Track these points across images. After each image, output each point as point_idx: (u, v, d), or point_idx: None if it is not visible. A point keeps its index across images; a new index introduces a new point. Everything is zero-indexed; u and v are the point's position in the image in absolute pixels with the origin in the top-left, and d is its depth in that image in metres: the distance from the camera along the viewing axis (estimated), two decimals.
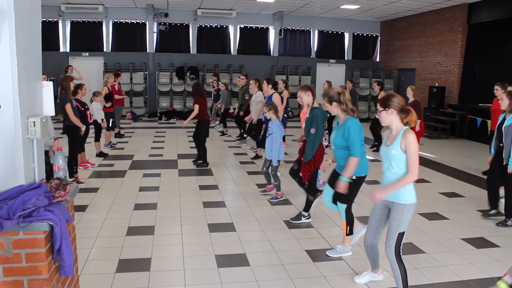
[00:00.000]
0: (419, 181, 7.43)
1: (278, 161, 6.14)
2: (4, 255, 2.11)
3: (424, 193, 6.63)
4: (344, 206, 4.17)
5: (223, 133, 12.02)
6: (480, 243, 4.73)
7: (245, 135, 10.77)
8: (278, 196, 6.15)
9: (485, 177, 7.47)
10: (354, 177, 4.02)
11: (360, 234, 4.27)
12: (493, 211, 5.55)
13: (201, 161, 8.12)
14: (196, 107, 7.83)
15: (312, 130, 4.89)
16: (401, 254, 3.28)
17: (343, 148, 4.02)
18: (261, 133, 8.83)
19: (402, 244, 3.28)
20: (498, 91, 7.12)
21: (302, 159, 5.12)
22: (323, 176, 6.14)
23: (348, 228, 4.25)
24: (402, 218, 3.21)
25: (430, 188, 7.00)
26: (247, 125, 9.86)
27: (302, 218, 5.25)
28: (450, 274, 3.95)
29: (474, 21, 12.77)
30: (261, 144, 8.57)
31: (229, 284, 3.70)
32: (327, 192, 4.34)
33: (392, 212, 3.28)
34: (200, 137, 8.05)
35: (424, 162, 8.99)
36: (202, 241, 4.61)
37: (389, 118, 3.26)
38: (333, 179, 4.19)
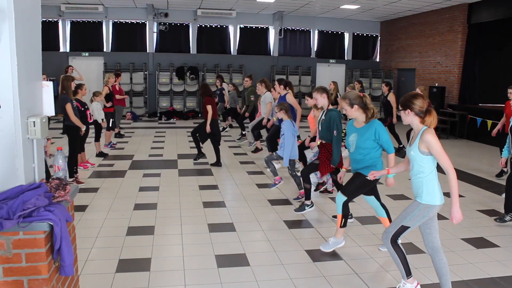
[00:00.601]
0: None
1: (293, 160, 6.20)
2: (4, 255, 2.11)
3: None
4: (344, 198, 4.18)
5: (223, 128, 12.11)
6: (480, 243, 4.73)
7: (243, 132, 10.84)
8: (276, 182, 6.35)
9: (497, 180, 7.44)
10: (367, 176, 4.02)
11: (340, 245, 4.38)
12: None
13: (200, 154, 8.27)
14: (209, 107, 7.88)
15: (335, 132, 4.94)
16: (398, 241, 3.33)
17: (366, 149, 4.04)
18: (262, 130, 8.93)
19: (400, 236, 3.32)
20: None
21: (330, 163, 5.10)
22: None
23: (342, 221, 4.27)
24: (412, 213, 3.23)
25: None
26: (255, 123, 9.77)
27: (306, 208, 5.34)
28: (450, 274, 3.94)
29: (474, 21, 12.78)
30: (269, 143, 8.29)
31: (229, 284, 3.70)
32: (369, 200, 4.45)
33: (410, 204, 3.33)
34: (206, 135, 8.11)
35: None
36: (202, 241, 4.61)
37: (408, 118, 3.28)
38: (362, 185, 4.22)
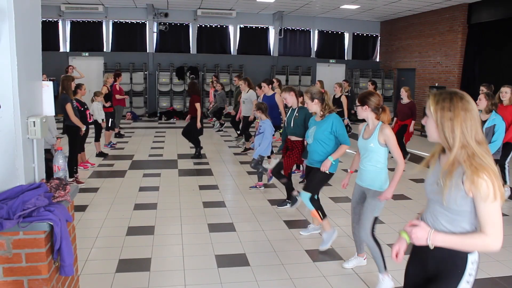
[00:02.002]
0: (419, 181, 7.43)
1: (262, 157, 6.46)
2: (4, 255, 2.11)
3: (423, 193, 6.61)
4: (308, 195, 4.31)
5: (219, 130, 12.19)
6: None
7: (238, 132, 10.90)
8: (257, 186, 6.57)
9: None
10: (328, 172, 4.29)
11: (334, 236, 4.47)
12: None
13: (197, 153, 8.46)
14: (198, 105, 8.07)
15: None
16: (374, 234, 3.59)
17: (322, 141, 4.23)
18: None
19: (375, 226, 3.60)
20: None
21: (299, 158, 5.40)
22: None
23: (319, 213, 4.39)
24: (378, 204, 3.52)
25: None
26: (241, 124, 9.99)
27: (287, 204, 5.62)
28: None
29: (474, 21, 12.78)
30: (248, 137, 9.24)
31: (229, 284, 3.70)
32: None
33: (368, 198, 3.58)
34: (191, 132, 8.38)
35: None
36: (202, 241, 4.61)
37: (364, 113, 3.57)
38: (307, 174, 4.50)
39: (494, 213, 1.80)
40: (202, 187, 6.72)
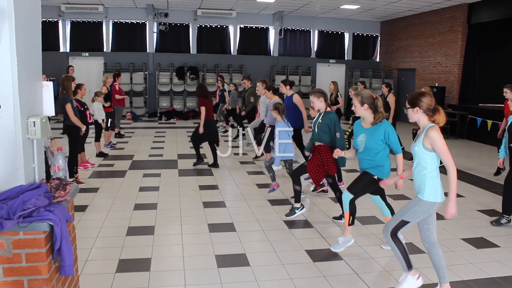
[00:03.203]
0: None
1: (291, 160, 6.23)
2: (4, 255, 2.11)
3: None
4: (350, 196, 4.17)
5: (225, 131, 12.10)
6: (480, 243, 4.73)
7: (243, 132, 10.82)
8: (274, 187, 6.20)
9: (498, 181, 7.32)
10: (376, 177, 4.09)
11: (349, 243, 4.34)
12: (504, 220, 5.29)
13: (200, 160, 8.07)
14: (203, 109, 7.72)
15: (338, 135, 4.90)
16: (398, 234, 3.40)
17: (376, 150, 4.04)
18: (263, 134, 8.76)
19: (400, 230, 3.39)
20: (508, 93, 7.08)
21: (324, 168, 5.03)
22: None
23: (350, 219, 4.25)
24: (413, 209, 3.29)
25: None
26: (257, 125, 9.80)
27: (296, 211, 5.26)
28: (450, 274, 3.93)
29: (474, 21, 12.78)
30: (265, 147, 8.00)
31: (229, 284, 3.70)
32: (374, 199, 4.50)
33: (410, 200, 3.38)
34: (200, 137, 7.91)
35: None
36: (202, 241, 4.61)
37: (416, 116, 3.32)
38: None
39: None
40: (202, 187, 6.72)
